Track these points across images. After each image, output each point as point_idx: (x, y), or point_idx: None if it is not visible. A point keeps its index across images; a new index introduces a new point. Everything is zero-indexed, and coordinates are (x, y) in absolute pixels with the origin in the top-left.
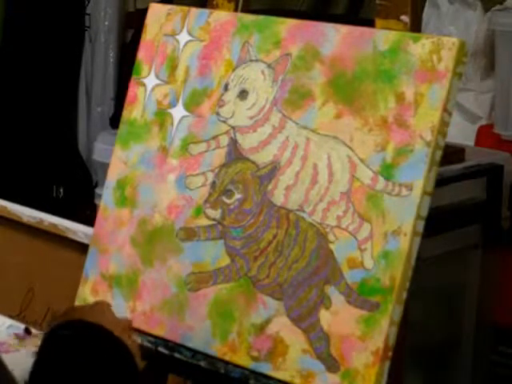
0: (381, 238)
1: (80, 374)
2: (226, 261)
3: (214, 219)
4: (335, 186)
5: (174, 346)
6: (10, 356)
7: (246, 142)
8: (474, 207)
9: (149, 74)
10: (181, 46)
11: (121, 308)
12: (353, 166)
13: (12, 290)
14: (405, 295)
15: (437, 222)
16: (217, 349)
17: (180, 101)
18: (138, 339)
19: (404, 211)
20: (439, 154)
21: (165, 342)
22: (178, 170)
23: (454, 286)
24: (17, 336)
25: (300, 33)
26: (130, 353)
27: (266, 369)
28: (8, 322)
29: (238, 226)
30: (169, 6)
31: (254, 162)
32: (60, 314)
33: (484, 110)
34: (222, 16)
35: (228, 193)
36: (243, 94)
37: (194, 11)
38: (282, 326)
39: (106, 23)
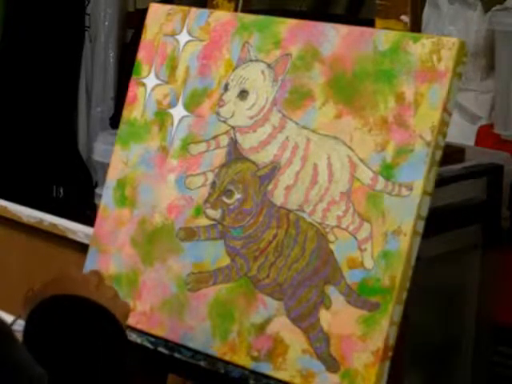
0: (381, 238)
1: (68, 353)
2: (226, 261)
3: (214, 219)
4: (335, 186)
5: (174, 346)
6: None
7: (246, 142)
8: (474, 207)
9: (149, 74)
10: (181, 46)
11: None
12: (353, 166)
13: (12, 289)
14: (405, 295)
15: (437, 221)
16: (217, 349)
17: (180, 101)
18: (138, 339)
19: (404, 211)
20: (439, 154)
21: (165, 341)
22: (178, 169)
23: (454, 286)
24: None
25: (300, 33)
26: (119, 326)
27: (266, 369)
28: (9, 319)
29: (238, 225)
30: (169, 6)
31: (254, 162)
32: (43, 287)
33: (484, 110)
34: (222, 16)
35: (228, 193)
36: (243, 94)
37: (194, 11)
38: (282, 326)
39: (106, 23)
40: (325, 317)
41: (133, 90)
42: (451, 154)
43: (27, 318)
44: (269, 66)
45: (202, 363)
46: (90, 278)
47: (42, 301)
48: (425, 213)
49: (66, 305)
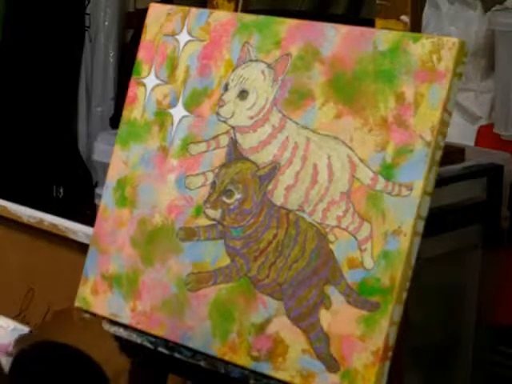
0: (381, 237)
1: None
2: (226, 261)
3: (214, 219)
4: (335, 186)
5: (174, 346)
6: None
7: (246, 141)
8: (474, 207)
9: (149, 74)
10: (181, 46)
11: (121, 308)
12: (353, 166)
13: (12, 290)
14: (405, 295)
15: (437, 221)
16: (217, 349)
17: (180, 101)
18: (138, 339)
19: (404, 211)
20: (439, 154)
21: (165, 341)
22: (178, 170)
23: (454, 285)
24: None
25: (300, 33)
26: (99, 371)
27: (265, 369)
28: (12, 324)
29: (238, 225)
30: (169, 6)
31: (254, 162)
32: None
33: (484, 110)
34: (222, 16)
35: (228, 193)
36: (243, 94)
37: (194, 11)
38: (282, 326)
39: (106, 23)
40: (325, 317)
41: (133, 90)
42: (451, 153)
43: (15, 356)
44: (269, 65)
45: (202, 363)
46: (92, 325)
47: (33, 344)
48: (425, 213)
49: (54, 354)
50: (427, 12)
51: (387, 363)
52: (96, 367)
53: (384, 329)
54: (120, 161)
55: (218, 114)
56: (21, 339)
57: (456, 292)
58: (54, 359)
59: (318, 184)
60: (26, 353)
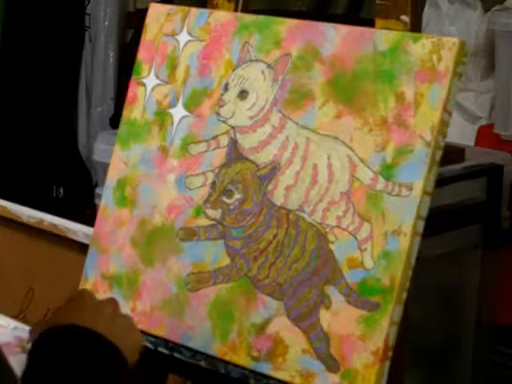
0: (381, 237)
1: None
2: (226, 261)
3: (214, 219)
4: (335, 186)
5: (174, 346)
6: (15, 359)
7: (246, 142)
8: (474, 207)
9: (149, 74)
10: (181, 46)
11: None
12: (353, 165)
13: (12, 289)
14: (405, 295)
15: (437, 222)
16: (217, 349)
17: (180, 101)
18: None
19: (404, 211)
20: (439, 154)
21: (165, 342)
22: (178, 170)
23: (454, 285)
24: (21, 339)
25: (300, 33)
26: (117, 352)
27: (266, 369)
28: (12, 323)
29: (238, 225)
30: (169, 6)
31: (253, 162)
32: (46, 320)
33: (484, 110)
34: (222, 16)
35: (228, 193)
36: (243, 94)
37: (194, 11)
38: (282, 326)
39: (106, 23)
40: (325, 317)
41: (133, 90)
42: (451, 153)
43: (33, 343)
44: (269, 66)
45: (202, 363)
46: (104, 305)
47: (50, 328)
48: (425, 213)
49: (71, 337)
50: (427, 12)
51: (387, 363)
52: (115, 348)
53: (384, 329)
54: (120, 161)
55: (217, 113)
56: (36, 326)
57: (456, 292)
58: (73, 341)
59: (318, 184)
60: (44, 337)
